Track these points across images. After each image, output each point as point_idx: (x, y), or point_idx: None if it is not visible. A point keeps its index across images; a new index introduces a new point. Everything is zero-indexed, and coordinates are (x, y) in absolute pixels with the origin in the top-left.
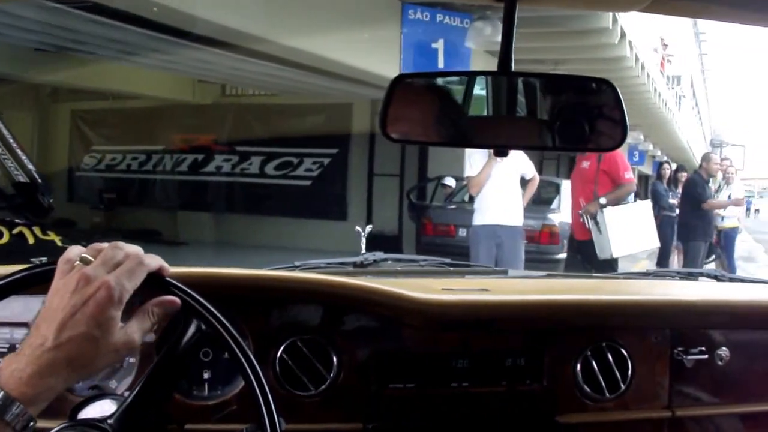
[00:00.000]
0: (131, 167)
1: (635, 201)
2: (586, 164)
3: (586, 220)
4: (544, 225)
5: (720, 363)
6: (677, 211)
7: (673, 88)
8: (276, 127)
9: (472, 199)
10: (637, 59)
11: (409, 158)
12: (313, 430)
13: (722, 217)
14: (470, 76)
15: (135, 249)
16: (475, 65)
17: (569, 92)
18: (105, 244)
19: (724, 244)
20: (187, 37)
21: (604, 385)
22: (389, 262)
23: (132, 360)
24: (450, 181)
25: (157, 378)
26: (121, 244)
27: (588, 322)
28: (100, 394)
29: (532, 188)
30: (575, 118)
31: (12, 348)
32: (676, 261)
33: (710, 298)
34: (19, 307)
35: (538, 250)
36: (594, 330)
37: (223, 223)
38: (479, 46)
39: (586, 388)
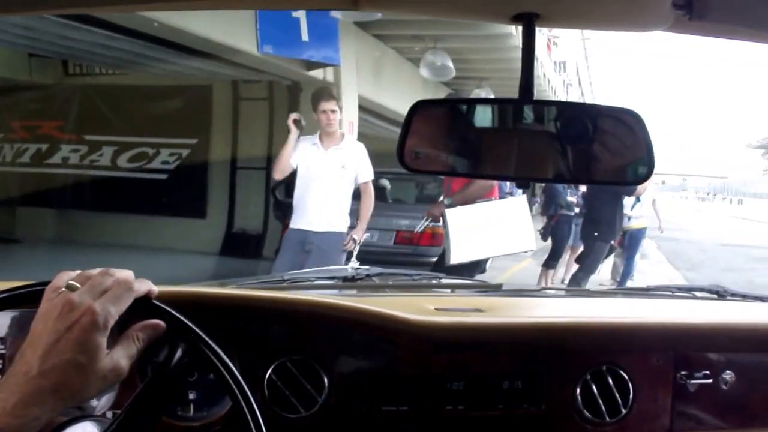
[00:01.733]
0: None
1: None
2: None
3: (425, 222)
4: (426, 226)
5: (724, 387)
6: (576, 210)
7: (560, 74)
8: (129, 113)
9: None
10: None
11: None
12: None
13: (629, 217)
14: (491, 104)
15: (125, 274)
16: (344, 38)
17: (594, 122)
18: (95, 271)
19: (628, 244)
20: None
21: (604, 409)
22: (381, 276)
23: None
24: None
25: (144, 401)
26: (111, 270)
27: (587, 345)
28: (81, 415)
29: (367, 199)
30: (600, 149)
31: None
32: (566, 260)
33: (714, 320)
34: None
35: (416, 252)
36: (594, 352)
37: (70, 220)
38: (346, 16)
39: (586, 412)
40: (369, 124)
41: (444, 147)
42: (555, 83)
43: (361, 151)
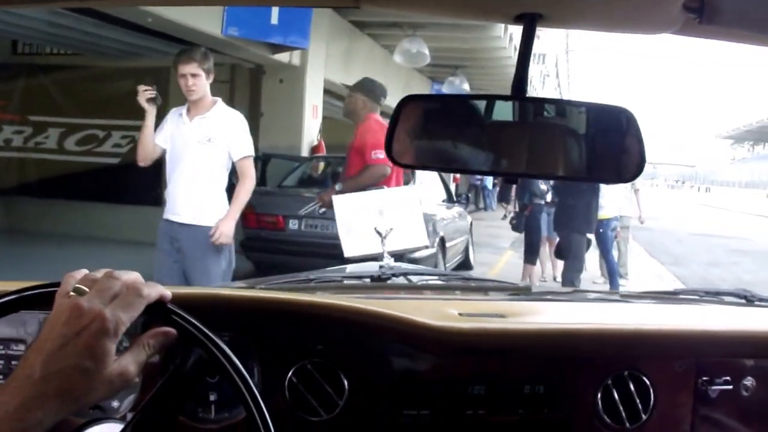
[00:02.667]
0: None
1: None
2: (349, 141)
3: (317, 208)
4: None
5: (745, 393)
6: (548, 198)
7: (537, 65)
8: (79, 94)
9: (310, 182)
10: (505, 29)
11: None
12: None
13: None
14: (481, 100)
15: (132, 278)
16: (317, 23)
17: (585, 119)
18: (99, 273)
19: (598, 239)
20: None
21: (624, 415)
22: (408, 276)
23: (135, 380)
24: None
25: (161, 402)
26: (116, 273)
27: (610, 351)
28: (100, 417)
29: (246, 182)
30: (590, 147)
31: (7, 364)
32: (547, 253)
33: (738, 327)
34: (18, 323)
35: None
36: (616, 358)
37: (12, 207)
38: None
39: (606, 418)
40: (337, 108)
41: (432, 142)
42: (532, 73)
43: (234, 121)
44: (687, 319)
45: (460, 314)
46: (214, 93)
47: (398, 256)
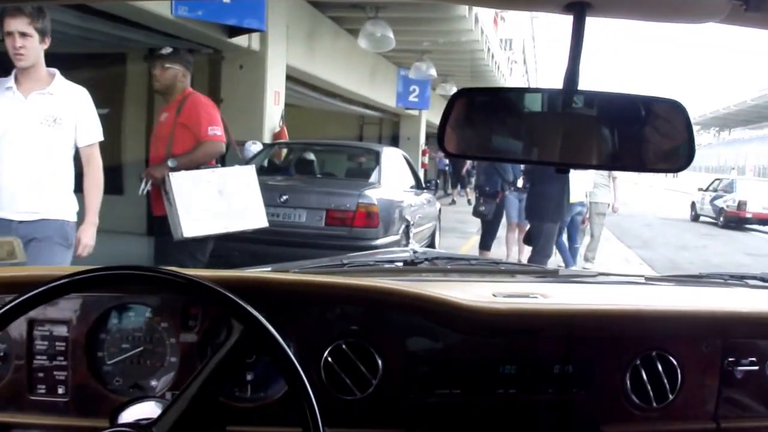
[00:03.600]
0: None
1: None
2: (164, 116)
3: (145, 185)
4: (360, 204)
5: None
6: (519, 185)
7: (505, 51)
8: None
9: (274, 170)
10: (470, 10)
11: None
12: None
13: None
14: (534, 92)
15: None
16: (275, 4)
17: (637, 111)
18: None
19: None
20: None
21: (651, 394)
22: (440, 260)
23: (173, 359)
24: (253, 147)
25: (203, 382)
26: None
27: (638, 331)
28: (141, 396)
29: (93, 173)
30: (642, 138)
31: (52, 344)
32: (516, 238)
33: (764, 308)
34: (62, 305)
35: (351, 234)
36: (644, 339)
37: None
38: None
39: (634, 397)
40: (301, 95)
41: (483, 133)
42: (499, 59)
43: (82, 98)
44: (712, 300)
45: (493, 294)
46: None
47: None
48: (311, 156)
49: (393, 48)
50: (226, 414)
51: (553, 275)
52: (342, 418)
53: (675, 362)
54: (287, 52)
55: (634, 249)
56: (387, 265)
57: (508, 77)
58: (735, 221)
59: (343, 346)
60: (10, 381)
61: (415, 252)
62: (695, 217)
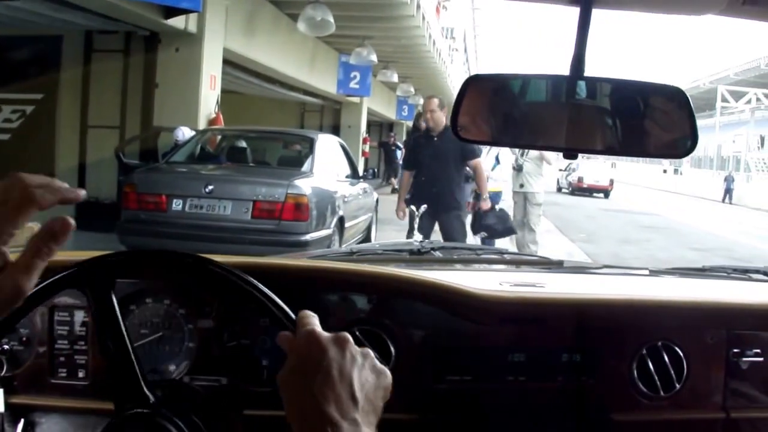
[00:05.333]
0: None
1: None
2: None
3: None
4: (289, 194)
5: None
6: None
7: (446, 39)
8: None
9: (205, 158)
10: None
11: (132, 106)
12: None
13: (487, 178)
14: (542, 79)
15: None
16: None
17: (642, 98)
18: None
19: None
20: None
21: (659, 384)
22: (446, 250)
23: (191, 344)
24: (182, 133)
25: (223, 365)
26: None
27: (645, 321)
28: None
29: None
30: (647, 124)
31: (72, 330)
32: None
33: (766, 300)
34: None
35: (279, 228)
36: (650, 328)
37: None
38: None
39: (641, 386)
40: (240, 81)
41: (496, 119)
42: (441, 47)
43: None
44: (717, 291)
45: (500, 283)
46: (107, 63)
47: None
48: (243, 144)
49: (333, 33)
50: (243, 398)
51: (558, 266)
52: None
53: (680, 352)
54: (225, 35)
55: (577, 243)
56: (394, 254)
57: (449, 65)
58: (578, 190)
59: (357, 333)
60: (32, 365)
61: (421, 242)
62: (559, 189)
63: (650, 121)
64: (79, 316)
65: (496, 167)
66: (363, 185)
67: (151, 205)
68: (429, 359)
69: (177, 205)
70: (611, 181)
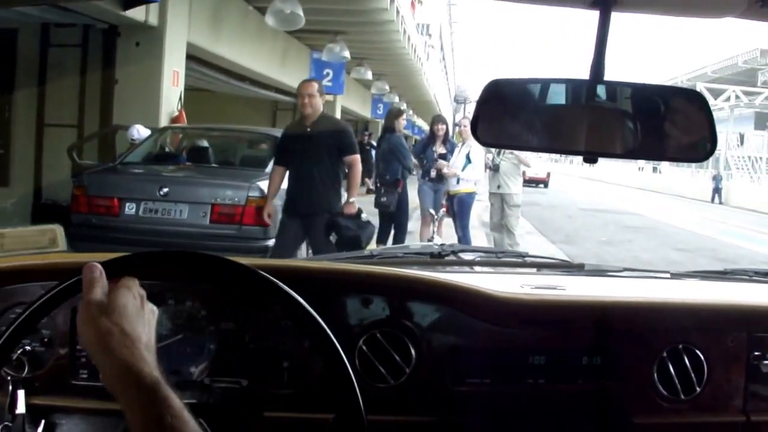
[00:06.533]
0: None
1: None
2: None
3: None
4: (250, 197)
5: None
6: (433, 174)
7: (422, 35)
8: None
9: (163, 158)
10: None
11: (91, 104)
12: (389, 421)
13: (458, 179)
14: (563, 83)
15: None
16: None
17: (661, 102)
18: None
19: (457, 210)
20: None
21: (679, 386)
22: (466, 253)
23: (212, 347)
24: (136, 132)
25: (243, 367)
26: None
27: (665, 324)
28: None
29: None
30: (667, 127)
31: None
32: (431, 233)
33: None
34: None
35: (240, 233)
36: (671, 331)
37: None
38: None
39: (662, 389)
40: (206, 77)
41: (516, 122)
42: (416, 43)
43: None
44: (737, 294)
45: (521, 287)
46: (64, 58)
47: None
48: (205, 143)
49: (305, 28)
50: (263, 400)
51: (579, 269)
52: (375, 405)
53: (701, 355)
54: (189, 28)
55: (558, 244)
56: (415, 257)
57: (425, 62)
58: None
59: (378, 335)
60: (53, 366)
61: (441, 245)
62: None
63: (670, 124)
64: None
65: (467, 167)
66: None
67: (102, 209)
68: (449, 361)
69: (130, 209)
70: (548, 174)
